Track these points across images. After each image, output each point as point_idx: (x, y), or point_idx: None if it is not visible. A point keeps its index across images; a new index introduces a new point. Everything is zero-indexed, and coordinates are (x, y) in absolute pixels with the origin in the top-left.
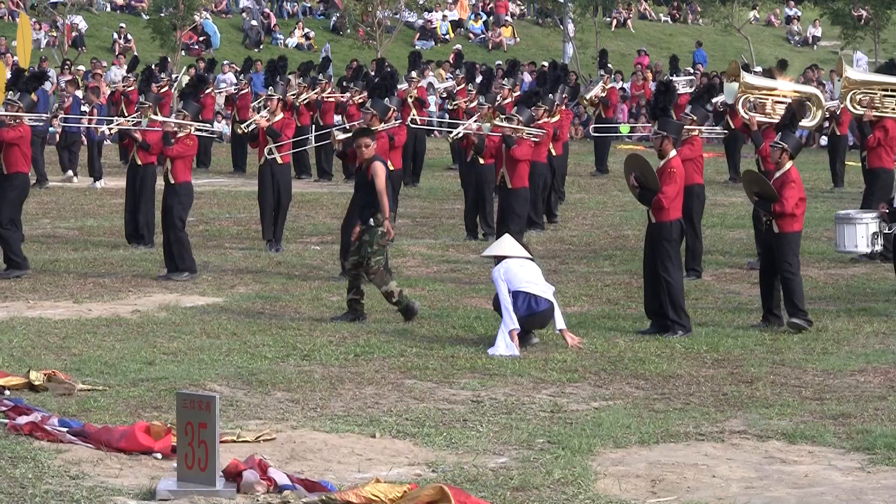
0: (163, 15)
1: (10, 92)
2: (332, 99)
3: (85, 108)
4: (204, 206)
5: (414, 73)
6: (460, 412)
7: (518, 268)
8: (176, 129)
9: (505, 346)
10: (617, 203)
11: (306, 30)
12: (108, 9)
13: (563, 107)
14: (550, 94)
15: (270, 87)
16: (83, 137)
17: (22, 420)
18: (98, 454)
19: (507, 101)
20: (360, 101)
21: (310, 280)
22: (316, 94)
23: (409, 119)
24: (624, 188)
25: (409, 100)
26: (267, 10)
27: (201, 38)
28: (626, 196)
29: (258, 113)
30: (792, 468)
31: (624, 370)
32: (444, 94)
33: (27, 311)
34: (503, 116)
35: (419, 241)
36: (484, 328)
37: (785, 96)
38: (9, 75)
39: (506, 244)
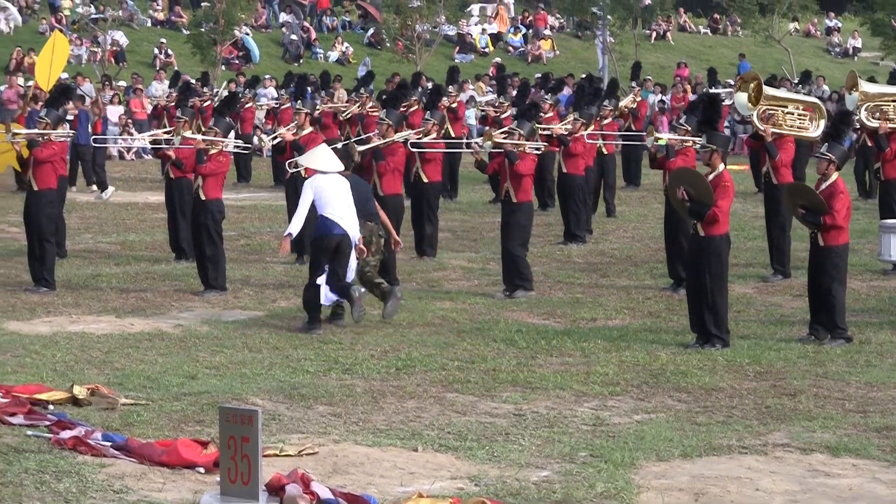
0: (203, 30)
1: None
2: (375, 113)
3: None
4: (245, 220)
5: (451, 88)
6: (502, 425)
7: (329, 188)
8: (207, 146)
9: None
10: (657, 216)
11: (346, 44)
12: (149, 24)
13: (609, 119)
14: (591, 107)
15: (299, 101)
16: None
17: (66, 434)
18: (141, 468)
19: (548, 115)
20: (373, 109)
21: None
22: (358, 108)
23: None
24: (664, 200)
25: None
26: (306, 25)
27: (241, 53)
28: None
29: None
30: (835, 481)
31: (666, 383)
32: (485, 108)
33: (70, 326)
34: (502, 131)
35: (460, 255)
36: (525, 341)
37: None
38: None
39: (321, 156)
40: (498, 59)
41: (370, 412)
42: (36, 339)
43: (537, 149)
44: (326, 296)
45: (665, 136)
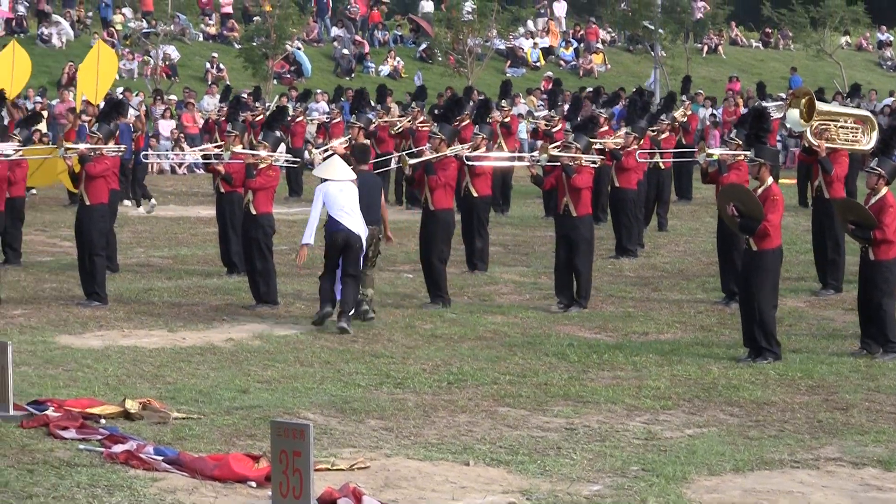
0: (255, 44)
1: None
2: (425, 127)
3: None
4: (296, 234)
5: (504, 102)
6: (554, 440)
7: (338, 192)
8: (257, 160)
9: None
10: (709, 229)
11: (397, 58)
12: (201, 38)
13: (666, 134)
14: (641, 121)
15: (354, 115)
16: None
17: (117, 448)
18: (193, 483)
19: (602, 129)
20: (424, 124)
21: (402, 308)
22: (409, 122)
23: (494, 146)
24: (716, 215)
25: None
26: (358, 39)
27: (293, 67)
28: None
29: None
30: (888, 495)
31: (718, 397)
32: (537, 122)
33: (122, 340)
34: (558, 145)
35: (511, 269)
36: (577, 355)
37: None
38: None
39: (335, 167)
40: (549, 73)
41: (422, 426)
42: (88, 353)
43: (594, 162)
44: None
45: (717, 152)
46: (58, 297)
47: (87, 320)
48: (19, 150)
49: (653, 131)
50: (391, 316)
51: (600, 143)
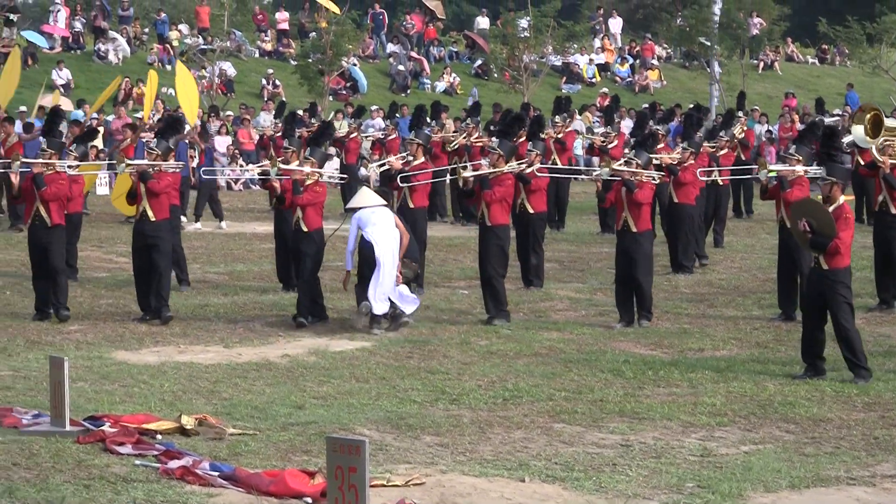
0: (310, 60)
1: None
2: (479, 143)
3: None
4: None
5: (558, 118)
6: (609, 456)
7: (369, 213)
8: (304, 176)
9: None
10: (765, 246)
11: (453, 74)
12: (257, 55)
13: (725, 150)
14: (698, 136)
15: (413, 132)
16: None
17: (174, 464)
18: (249, 498)
19: (660, 146)
20: (478, 140)
21: (458, 324)
22: (464, 138)
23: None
24: (772, 231)
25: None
26: (414, 55)
27: (349, 84)
28: (773, 238)
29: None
30: None
31: (774, 414)
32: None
33: (178, 356)
34: (623, 160)
35: (567, 286)
36: (632, 372)
37: None
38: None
39: (364, 196)
40: (605, 89)
41: (477, 442)
42: (144, 368)
43: (654, 178)
44: (377, 300)
45: (776, 168)
46: (114, 313)
47: (143, 336)
48: (75, 165)
49: (711, 147)
50: (446, 332)
51: (657, 159)
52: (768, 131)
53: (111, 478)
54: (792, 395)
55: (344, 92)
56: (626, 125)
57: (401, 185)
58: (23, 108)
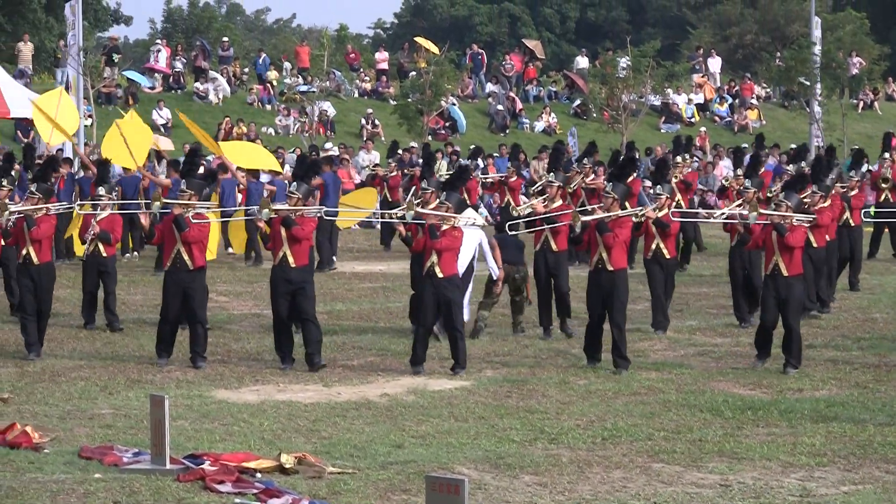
0: (410, 100)
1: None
2: (594, 185)
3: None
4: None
5: (679, 158)
6: (708, 496)
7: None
8: (440, 221)
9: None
10: (864, 286)
11: (552, 114)
12: (356, 94)
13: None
14: (828, 178)
15: (551, 173)
16: None
17: (273, 503)
18: None
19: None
20: (593, 182)
21: (557, 363)
22: (581, 179)
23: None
24: (871, 271)
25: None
26: (512, 95)
27: (447, 123)
28: (873, 279)
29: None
30: None
31: (873, 454)
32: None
33: (277, 395)
34: (775, 203)
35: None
36: (731, 412)
37: None
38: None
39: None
40: (703, 129)
41: (576, 482)
42: (244, 407)
43: (807, 221)
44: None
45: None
46: (213, 353)
47: (242, 375)
48: (212, 207)
49: (842, 188)
50: (545, 371)
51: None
52: (868, 171)
53: None
54: (892, 436)
55: (443, 132)
56: (726, 165)
57: (544, 227)
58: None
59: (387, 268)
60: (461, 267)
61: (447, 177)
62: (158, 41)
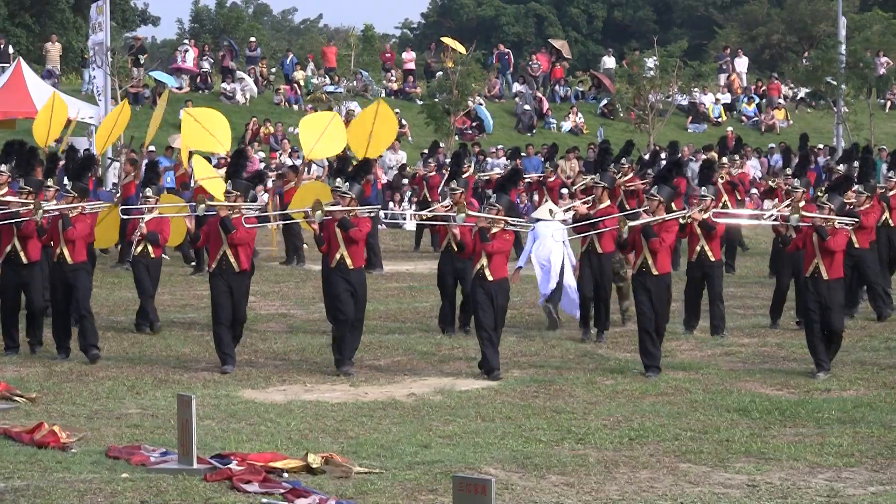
0: (437, 100)
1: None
2: (633, 187)
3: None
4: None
5: (725, 159)
6: (736, 496)
7: (547, 239)
8: (489, 224)
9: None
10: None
11: (579, 114)
12: (383, 94)
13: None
14: (871, 180)
15: (598, 174)
16: None
17: (300, 503)
18: None
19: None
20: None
21: (584, 364)
22: (621, 177)
23: (720, 205)
24: None
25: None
26: (539, 95)
27: (474, 123)
28: None
29: None
30: None
31: None
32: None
33: (305, 395)
34: (818, 204)
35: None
36: (759, 412)
37: None
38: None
39: (544, 209)
40: (730, 128)
41: (603, 482)
42: (271, 407)
43: (849, 224)
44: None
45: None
46: (240, 353)
47: (269, 375)
48: (260, 208)
49: (881, 188)
50: (572, 372)
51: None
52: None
53: None
54: None
55: (470, 132)
56: (753, 164)
57: (588, 230)
58: (152, 148)
59: (414, 267)
60: (555, 262)
61: (496, 178)
62: (186, 41)
